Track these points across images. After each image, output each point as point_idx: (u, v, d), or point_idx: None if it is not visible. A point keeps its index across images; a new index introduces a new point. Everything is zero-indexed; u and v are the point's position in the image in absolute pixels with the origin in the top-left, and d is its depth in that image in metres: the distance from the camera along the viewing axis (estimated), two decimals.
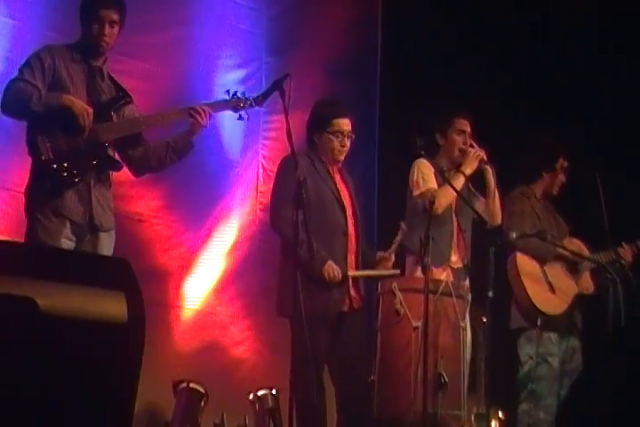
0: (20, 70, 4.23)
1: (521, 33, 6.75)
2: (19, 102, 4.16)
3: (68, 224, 4.17)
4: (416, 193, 4.94)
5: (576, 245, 5.40)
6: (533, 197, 5.51)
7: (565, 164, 5.52)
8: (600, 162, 5.42)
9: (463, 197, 4.96)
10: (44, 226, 4.13)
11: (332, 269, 4.53)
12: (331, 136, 4.77)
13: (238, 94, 4.45)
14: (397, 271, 4.81)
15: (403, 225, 4.89)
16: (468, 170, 4.96)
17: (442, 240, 4.78)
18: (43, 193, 4.17)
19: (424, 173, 4.98)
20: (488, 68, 6.72)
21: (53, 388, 2.24)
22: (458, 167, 5.03)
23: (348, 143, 4.82)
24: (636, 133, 6.31)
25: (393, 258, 4.82)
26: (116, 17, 4.30)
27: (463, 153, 5.02)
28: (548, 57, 6.72)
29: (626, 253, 5.32)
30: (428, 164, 5.02)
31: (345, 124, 4.81)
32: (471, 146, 5.04)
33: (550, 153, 5.55)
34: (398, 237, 4.83)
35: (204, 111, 4.34)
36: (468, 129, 5.10)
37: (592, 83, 6.44)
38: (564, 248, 5.28)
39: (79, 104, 4.17)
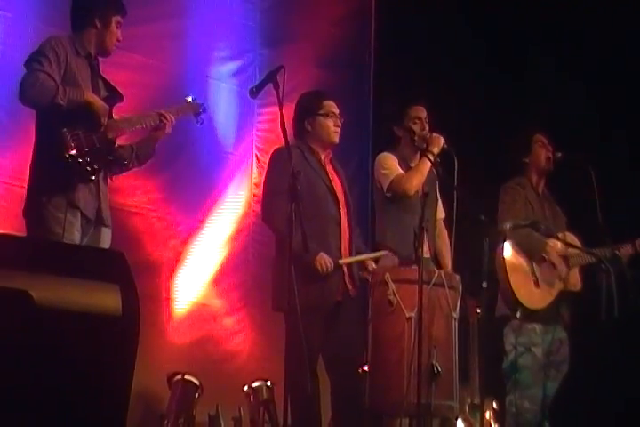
0: (38, 60, 4.12)
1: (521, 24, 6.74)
2: (44, 94, 4.07)
3: (79, 217, 4.16)
4: (387, 184, 4.95)
5: (571, 239, 5.37)
6: (529, 187, 5.46)
7: (544, 139, 5.49)
8: (599, 157, 5.39)
9: (439, 174, 4.97)
10: (57, 218, 4.08)
11: (323, 260, 4.53)
12: (324, 118, 4.79)
13: (196, 101, 4.65)
14: (386, 252, 4.84)
15: None
16: (436, 149, 4.92)
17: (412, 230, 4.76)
18: (57, 185, 4.11)
19: (387, 164, 5.01)
20: (483, 58, 6.72)
21: (48, 380, 2.25)
22: (421, 153, 5.03)
23: (340, 125, 4.84)
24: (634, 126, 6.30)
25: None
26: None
27: (423, 139, 5.02)
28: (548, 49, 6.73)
29: (624, 252, 5.25)
30: (391, 155, 5.05)
31: (333, 106, 4.85)
32: (430, 131, 5.04)
33: (519, 136, 5.54)
34: None
35: (171, 121, 4.43)
36: (424, 114, 5.10)
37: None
38: (559, 240, 5.25)
39: (100, 102, 4.19)
